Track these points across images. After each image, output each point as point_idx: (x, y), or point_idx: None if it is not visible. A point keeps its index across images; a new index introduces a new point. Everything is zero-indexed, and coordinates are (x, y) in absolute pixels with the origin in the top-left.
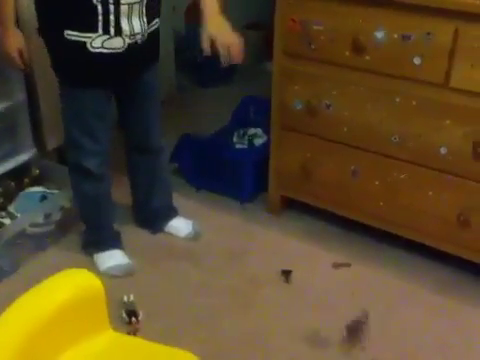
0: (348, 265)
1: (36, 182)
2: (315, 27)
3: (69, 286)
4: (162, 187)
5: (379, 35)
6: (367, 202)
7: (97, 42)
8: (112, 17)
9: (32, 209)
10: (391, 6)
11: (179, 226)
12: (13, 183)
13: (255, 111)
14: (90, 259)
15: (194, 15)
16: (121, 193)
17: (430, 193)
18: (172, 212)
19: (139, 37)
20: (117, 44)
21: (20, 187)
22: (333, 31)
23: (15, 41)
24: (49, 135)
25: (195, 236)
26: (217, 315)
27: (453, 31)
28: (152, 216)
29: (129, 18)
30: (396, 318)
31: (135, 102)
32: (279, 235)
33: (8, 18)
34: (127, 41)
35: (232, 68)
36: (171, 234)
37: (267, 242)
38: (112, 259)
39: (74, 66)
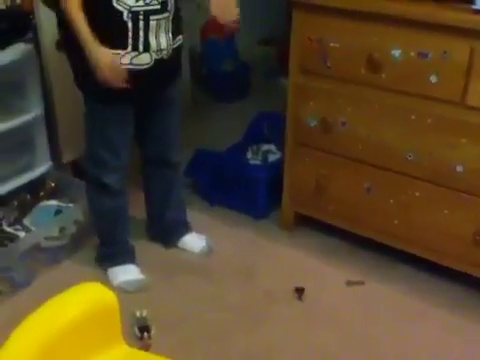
0: (361, 283)
1: (51, 195)
2: (331, 44)
3: (83, 300)
4: (177, 202)
5: (396, 53)
6: (381, 220)
7: (126, 58)
8: (141, 33)
9: (47, 222)
10: (407, 24)
11: (193, 241)
12: (28, 196)
13: (269, 127)
14: (104, 273)
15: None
16: (135, 207)
17: (445, 212)
18: (186, 227)
19: (165, 53)
20: (145, 60)
21: (35, 200)
22: (349, 49)
23: (108, 55)
24: (65, 148)
25: (208, 252)
26: (229, 331)
27: (469, 50)
28: (165, 230)
29: (157, 34)
30: (409, 336)
31: (157, 117)
32: (292, 252)
33: (89, 36)
34: (154, 57)
35: (246, 83)
36: (184, 249)
37: (280, 258)
38: (126, 274)
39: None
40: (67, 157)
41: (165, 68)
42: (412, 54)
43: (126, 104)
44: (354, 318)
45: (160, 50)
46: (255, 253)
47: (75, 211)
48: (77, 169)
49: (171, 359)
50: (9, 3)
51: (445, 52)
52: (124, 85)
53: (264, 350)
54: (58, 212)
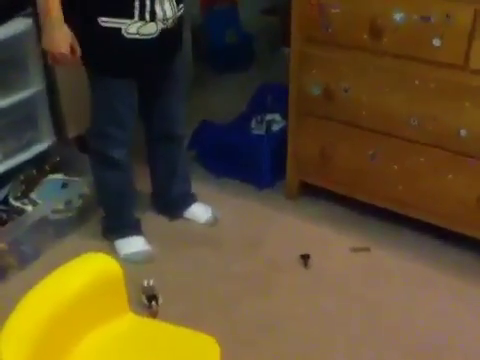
0: (367, 249)
1: (57, 169)
2: (332, 10)
3: (88, 270)
4: (182, 175)
5: (398, 17)
6: (386, 186)
7: (132, 28)
8: (148, 2)
9: (54, 196)
10: None
11: (198, 212)
12: (34, 170)
13: (272, 97)
14: (110, 245)
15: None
16: (140, 181)
17: (449, 176)
18: (191, 198)
19: (170, 22)
20: (151, 30)
21: (41, 174)
22: (350, 14)
23: (66, 37)
24: (69, 123)
25: (214, 221)
26: (236, 300)
27: (473, 12)
28: (172, 203)
29: (162, 2)
30: (416, 302)
31: (162, 90)
32: (297, 220)
33: (56, 14)
34: (160, 26)
35: (250, 54)
36: (190, 220)
37: (285, 227)
38: (132, 245)
39: (108, 54)
40: (72, 132)
41: (170, 38)
42: (415, 17)
43: (131, 76)
44: (360, 284)
45: (166, 19)
46: (260, 222)
47: (81, 185)
48: (82, 144)
49: (179, 326)
50: None
51: (448, 15)
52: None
53: (271, 318)
54: (64, 186)
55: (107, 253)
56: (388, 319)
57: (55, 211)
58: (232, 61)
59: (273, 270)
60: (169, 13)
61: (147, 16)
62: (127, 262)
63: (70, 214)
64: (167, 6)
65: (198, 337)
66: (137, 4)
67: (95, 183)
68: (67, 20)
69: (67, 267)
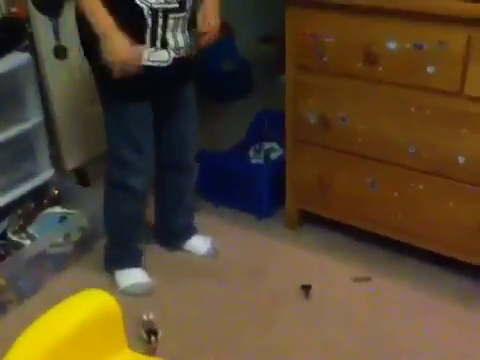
0: (368, 279)
1: (55, 203)
2: (326, 40)
3: (85, 307)
4: (187, 206)
5: (391, 45)
6: (385, 214)
7: (145, 54)
8: (160, 30)
9: (52, 230)
10: (402, 16)
11: (198, 244)
12: (32, 204)
13: (270, 125)
14: (109, 278)
15: None
16: None
17: (449, 203)
18: (192, 230)
19: (183, 51)
20: (163, 57)
21: (39, 208)
22: (344, 43)
23: (124, 41)
24: (67, 156)
25: (213, 253)
26: (237, 332)
27: (466, 39)
28: (173, 235)
29: (174, 32)
30: (419, 331)
31: (173, 119)
32: (298, 249)
33: (109, 23)
34: (172, 55)
35: (248, 82)
36: (190, 252)
37: (286, 257)
38: (132, 277)
39: (123, 80)
40: (70, 164)
41: (184, 67)
42: (408, 45)
43: (147, 102)
44: (362, 314)
45: (178, 48)
46: (261, 253)
47: (80, 218)
48: (81, 176)
49: None
50: (4, 11)
51: (441, 42)
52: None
53: (274, 350)
54: (63, 219)
55: (107, 286)
56: (392, 349)
57: (54, 245)
58: (230, 89)
59: (274, 301)
60: (181, 43)
61: (158, 43)
62: (126, 294)
63: (69, 248)
64: (180, 36)
65: None
66: (149, 31)
67: (106, 212)
68: (84, 49)
69: (64, 304)
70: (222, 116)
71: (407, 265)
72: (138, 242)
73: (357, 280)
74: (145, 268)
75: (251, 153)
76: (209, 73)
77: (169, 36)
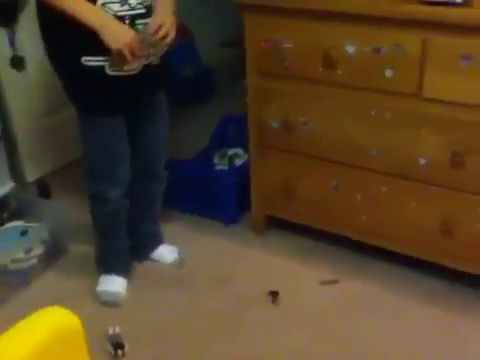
0: (336, 282)
1: (16, 216)
2: (285, 45)
3: (45, 326)
4: (154, 214)
5: (350, 49)
6: (350, 217)
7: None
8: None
9: (12, 244)
10: (359, 19)
11: (165, 253)
12: None
13: (234, 130)
14: (76, 291)
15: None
16: None
17: (412, 204)
18: (158, 239)
19: (153, 58)
20: (133, 65)
21: None
22: (303, 48)
23: (125, 27)
24: (28, 167)
25: (181, 263)
26: (206, 341)
27: (421, 41)
28: (140, 243)
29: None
30: (387, 332)
31: (145, 127)
32: (265, 255)
33: (101, 13)
34: (142, 62)
35: (210, 87)
36: (156, 261)
37: (253, 263)
38: (110, 285)
39: (93, 93)
40: (31, 176)
41: (153, 73)
42: (366, 49)
43: (119, 113)
44: (331, 318)
45: (148, 55)
46: (227, 259)
47: (42, 231)
48: (43, 188)
49: None
50: None
51: (397, 45)
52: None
53: (242, 357)
54: (24, 233)
55: (73, 300)
56: (361, 351)
57: (15, 260)
58: (192, 94)
59: (243, 308)
60: (151, 49)
61: None
62: (98, 299)
63: (32, 262)
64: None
65: None
66: None
67: (93, 224)
68: (52, 63)
69: (23, 324)
70: (184, 122)
71: (375, 267)
72: (124, 250)
73: (324, 283)
74: (130, 279)
75: (215, 159)
76: (170, 78)
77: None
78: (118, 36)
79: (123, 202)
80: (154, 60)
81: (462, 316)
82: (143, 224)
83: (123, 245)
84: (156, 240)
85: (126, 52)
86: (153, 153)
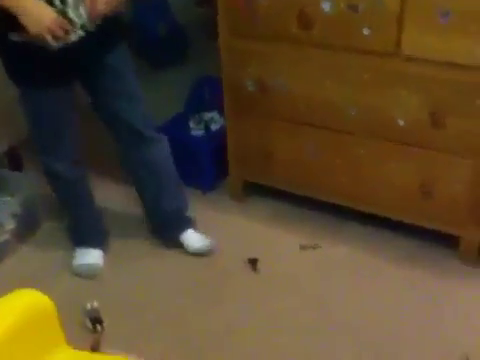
0: (315, 246)
1: None
2: (259, 2)
3: (16, 307)
4: (168, 188)
5: (326, 6)
6: (329, 180)
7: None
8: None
9: None
10: None
11: (192, 239)
12: None
13: (211, 92)
14: (53, 266)
15: None
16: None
17: (391, 166)
18: (184, 221)
19: (89, 25)
20: (63, 41)
21: None
22: (278, 5)
23: (47, 8)
24: None
25: (209, 251)
26: (186, 313)
27: None
28: (162, 223)
29: (76, 6)
30: (367, 294)
31: (104, 89)
32: (244, 222)
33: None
34: (79, 33)
35: (185, 47)
36: (183, 246)
37: (232, 230)
38: (86, 258)
39: (25, 66)
40: (1, 146)
41: (93, 41)
42: (342, 6)
43: (56, 85)
44: (311, 282)
45: (84, 25)
46: (206, 227)
47: (11, 205)
48: (13, 160)
49: (120, 357)
50: None
51: (375, 1)
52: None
53: (224, 327)
54: None
55: (48, 277)
56: (342, 313)
57: None
58: (166, 55)
59: (223, 277)
60: (85, 17)
61: None
62: (75, 274)
63: (4, 237)
64: (83, 9)
65: None
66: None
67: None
68: None
69: None
70: (158, 85)
71: (354, 230)
72: (93, 222)
73: (304, 248)
74: (107, 250)
75: (191, 124)
76: (142, 37)
77: (72, 13)
78: (37, 20)
79: (76, 173)
80: (91, 27)
81: (439, 277)
82: (159, 199)
83: (92, 216)
84: (181, 221)
85: (47, 36)
86: (128, 110)
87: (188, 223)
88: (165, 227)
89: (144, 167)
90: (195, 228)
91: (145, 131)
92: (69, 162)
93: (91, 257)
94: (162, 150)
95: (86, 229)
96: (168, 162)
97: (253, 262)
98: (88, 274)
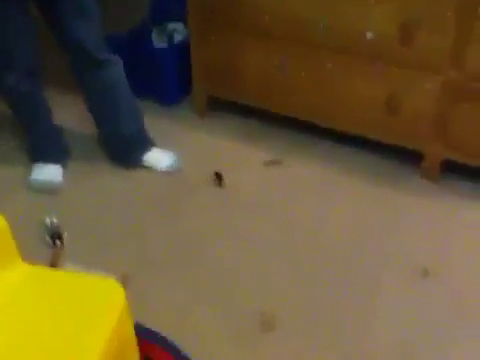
0: (279, 162)
1: None
2: None
3: None
4: (126, 110)
5: None
6: (295, 95)
7: None
8: None
9: None
10: None
11: (157, 158)
12: None
13: (175, 2)
14: (6, 184)
15: None
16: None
17: (358, 81)
18: (145, 142)
19: None
20: None
21: None
22: None
23: None
24: None
25: (176, 169)
26: (148, 226)
27: None
28: (125, 147)
29: None
30: (330, 211)
31: (60, 11)
32: (208, 137)
33: None
34: None
35: None
36: (149, 168)
37: (196, 145)
38: (45, 173)
39: None
40: None
41: None
42: None
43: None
44: (274, 198)
45: None
46: (170, 142)
47: None
48: None
49: (78, 272)
50: None
51: None
52: None
53: (185, 241)
54: None
55: (8, 191)
56: (305, 229)
57: None
58: None
59: (186, 192)
60: None
61: None
62: (32, 189)
63: None
64: None
65: (98, 283)
66: None
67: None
68: None
69: None
70: None
71: (320, 148)
72: (49, 139)
73: (268, 164)
74: (66, 167)
75: (154, 36)
76: None
77: None
78: None
79: (30, 84)
80: None
81: (402, 192)
82: (116, 124)
83: (50, 131)
84: (142, 142)
85: None
86: (81, 30)
87: (150, 143)
88: (126, 151)
89: (98, 91)
90: (155, 146)
91: (99, 54)
92: (22, 73)
93: (50, 173)
94: (117, 73)
95: (43, 144)
96: (123, 84)
97: (219, 177)
98: (45, 189)
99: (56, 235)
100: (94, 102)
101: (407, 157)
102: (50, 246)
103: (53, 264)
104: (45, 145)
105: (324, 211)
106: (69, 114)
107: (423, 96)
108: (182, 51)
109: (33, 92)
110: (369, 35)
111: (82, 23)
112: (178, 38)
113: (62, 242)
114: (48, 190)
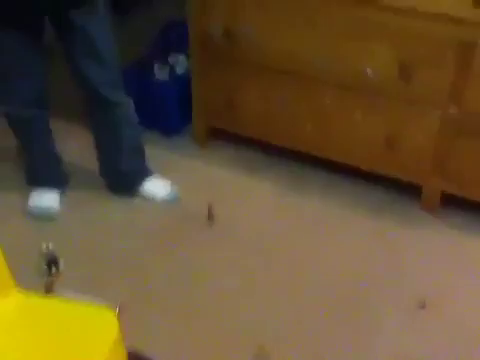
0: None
1: None
2: None
3: None
4: (130, 148)
5: None
6: (294, 128)
7: None
8: None
9: None
10: None
11: (154, 188)
12: None
13: (178, 36)
14: (2, 208)
15: None
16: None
17: (358, 116)
18: (144, 172)
19: None
20: None
21: None
22: None
23: None
24: None
25: (173, 198)
26: (144, 255)
27: None
28: (124, 180)
29: None
30: (327, 244)
31: (74, 51)
32: (207, 167)
33: None
34: None
35: None
36: (147, 198)
37: (195, 175)
38: (42, 200)
39: None
40: None
41: None
42: None
43: (18, 28)
44: (272, 231)
45: None
46: (169, 171)
47: None
48: None
49: (72, 301)
50: None
51: None
52: None
53: (182, 271)
54: None
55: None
56: (304, 262)
57: None
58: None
59: (182, 222)
60: None
61: None
62: (31, 215)
63: None
64: None
65: (93, 312)
66: None
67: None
68: None
69: None
70: (124, 29)
71: (318, 180)
72: (56, 164)
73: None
74: (63, 194)
75: (156, 69)
76: None
77: None
78: None
79: (32, 114)
80: None
81: (402, 225)
82: (117, 162)
83: (49, 157)
84: (142, 175)
85: None
86: (96, 73)
87: (149, 173)
88: (124, 185)
89: (104, 129)
90: (156, 175)
91: (109, 95)
92: (26, 102)
93: (47, 200)
94: (124, 114)
95: (41, 169)
96: (129, 125)
97: (210, 211)
98: (42, 216)
99: (52, 262)
100: (98, 138)
101: (407, 189)
102: (46, 273)
103: (48, 291)
104: (43, 170)
105: (323, 244)
106: (74, 142)
107: (422, 131)
108: (183, 83)
109: (36, 119)
110: (369, 72)
111: (93, 62)
112: (180, 70)
113: (58, 269)
114: (45, 217)
